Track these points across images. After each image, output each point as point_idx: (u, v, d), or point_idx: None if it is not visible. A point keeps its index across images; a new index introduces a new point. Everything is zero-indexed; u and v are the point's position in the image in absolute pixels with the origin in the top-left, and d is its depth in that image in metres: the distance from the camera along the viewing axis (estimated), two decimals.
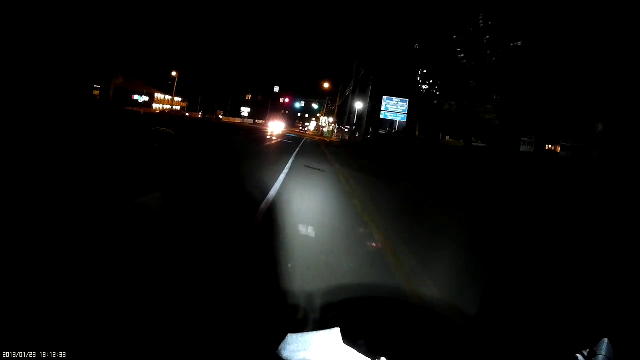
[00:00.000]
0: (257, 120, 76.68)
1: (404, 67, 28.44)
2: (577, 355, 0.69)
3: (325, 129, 57.33)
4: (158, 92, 57.04)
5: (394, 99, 23.63)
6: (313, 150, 18.47)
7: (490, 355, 1.67)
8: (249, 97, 79.80)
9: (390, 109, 23.39)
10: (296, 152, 14.84)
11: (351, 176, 9.78)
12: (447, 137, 29.23)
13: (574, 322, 2.32)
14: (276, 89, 65.96)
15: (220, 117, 62.25)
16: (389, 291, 2.68)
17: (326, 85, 51.77)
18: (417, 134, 27.90)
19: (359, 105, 40.84)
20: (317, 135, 51.36)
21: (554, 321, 2.29)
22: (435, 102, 23.50)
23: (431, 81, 24.50)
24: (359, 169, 11.90)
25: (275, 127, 50.27)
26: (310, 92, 63.04)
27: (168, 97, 60.74)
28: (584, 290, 2.98)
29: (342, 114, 56.14)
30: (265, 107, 78.19)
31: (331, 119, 61.42)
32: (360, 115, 41.85)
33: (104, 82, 40.73)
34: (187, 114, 56.81)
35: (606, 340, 0.68)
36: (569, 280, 3.28)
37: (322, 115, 66.99)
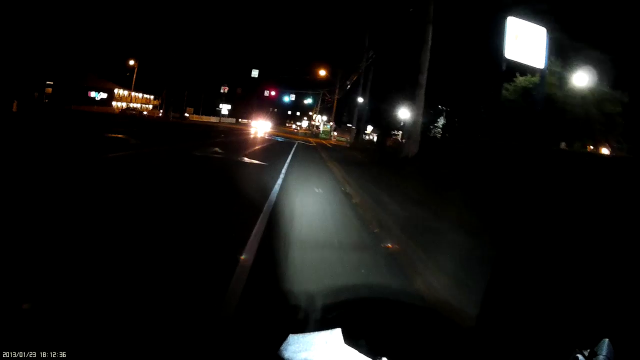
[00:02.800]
0: (240, 119, 76.12)
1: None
2: (577, 355, 0.83)
3: (321, 129, 56.33)
4: (119, 88, 56.39)
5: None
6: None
7: (491, 355, 1.84)
8: (225, 89, 72.89)
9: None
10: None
11: None
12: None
13: (574, 322, 2.49)
14: (254, 73, 58.17)
15: (187, 115, 62.13)
16: (390, 292, 2.84)
17: (322, 72, 46.34)
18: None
19: (362, 99, 37.09)
20: (310, 137, 50.27)
21: (554, 321, 2.47)
22: None
23: None
24: None
25: (260, 128, 49.79)
26: (302, 83, 60.54)
27: (134, 94, 60.17)
28: (584, 290, 3.20)
29: (341, 111, 54.89)
30: (249, 103, 77.12)
31: (325, 117, 61.02)
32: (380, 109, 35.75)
33: (58, 78, 40.43)
34: (145, 113, 56.49)
35: (606, 340, 0.82)
36: (569, 280, 3.51)
37: (315, 113, 66.08)
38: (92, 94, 49.95)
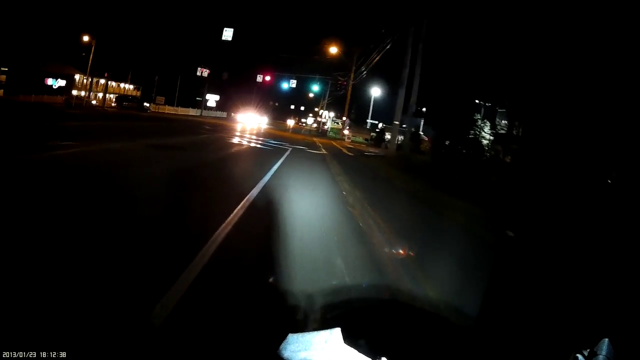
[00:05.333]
0: (233, 113, 74.71)
1: None
2: (577, 355, 0.97)
3: (329, 125, 55.03)
4: (81, 74, 55.50)
5: None
6: None
7: (491, 355, 2.02)
8: (203, 71, 62.83)
9: None
10: None
11: None
12: None
13: (574, 322, 2.65)
14: (227, 34, 41.56)
15: (147, 105, 58.13)
16: (390, 292, 3.06)
17: (333, 49, 40.00)
18: None
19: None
20: (315, 136, 47.23)
21: (554, 321, 2.64)
22: None
23: None
24: None
25: (249, 124, 48.33)
26: (305, 68, 57.34)
27: (103, 82, 59.52)
28: (584, 290, 3.36)
29: (353, 104, 52.57)
30: (245, 94, 74.79)
31: (332, 114, 60.03)
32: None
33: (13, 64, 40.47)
34: (95, 102, 54.79)
35: (606, 340, 0.97)
36: (568, 280, 3.67)
37: (321, 108, 64.63)
38: (50, 81, 48.79)
